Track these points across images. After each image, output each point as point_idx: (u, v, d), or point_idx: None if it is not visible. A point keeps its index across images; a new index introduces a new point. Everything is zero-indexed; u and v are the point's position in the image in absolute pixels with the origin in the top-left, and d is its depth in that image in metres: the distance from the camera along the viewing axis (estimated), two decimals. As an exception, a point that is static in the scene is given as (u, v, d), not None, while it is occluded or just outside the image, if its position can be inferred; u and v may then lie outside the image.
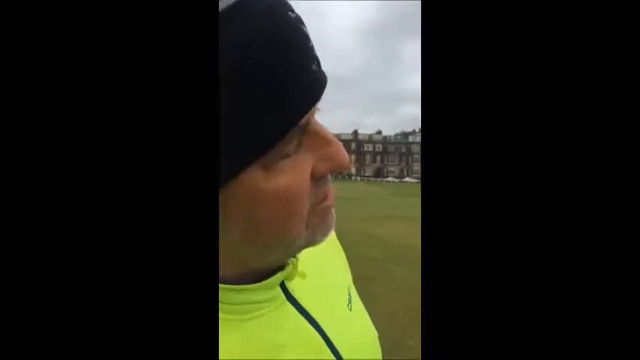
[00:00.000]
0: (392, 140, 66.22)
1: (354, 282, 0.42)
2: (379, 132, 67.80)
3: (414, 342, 2.29)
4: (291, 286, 0.31)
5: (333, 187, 0.31)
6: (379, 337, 0.39)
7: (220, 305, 0.26)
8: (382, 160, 64.63)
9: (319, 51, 0.27)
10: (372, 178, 55.38)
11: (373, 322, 0.39)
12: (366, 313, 0.40)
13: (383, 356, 0.39)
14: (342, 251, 0.44)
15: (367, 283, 3.48)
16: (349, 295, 0.37)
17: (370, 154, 64.67)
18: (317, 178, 0.27)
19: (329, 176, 0.30)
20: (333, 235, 0.40)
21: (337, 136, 0.29)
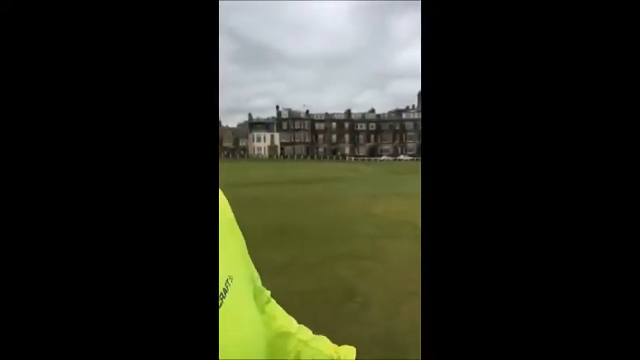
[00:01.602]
0: (385, 118, 65.83)
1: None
2: (372, 110, 67.24)
3: (407, 308, 2.40)
4: None
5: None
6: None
7: None
8: (376, 139, 64.47)
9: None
10: (366, 158, 55.40)
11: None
12: (252, 307, 0.35)
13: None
14: (239, 238, 0.39)
15: (362, 258, 3.59)
16: (225, 289, 0.30)
17: (364, 133, 64.39)
18: None
19: None
20: (229, 220, 0.37)
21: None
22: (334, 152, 61.12)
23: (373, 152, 61.98)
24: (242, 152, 57.40)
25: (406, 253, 3.77)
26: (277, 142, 58.98)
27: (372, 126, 64.80)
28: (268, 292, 0.47)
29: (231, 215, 0.38)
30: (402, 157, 55.40)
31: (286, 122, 59.97)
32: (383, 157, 55.22)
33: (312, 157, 55.91)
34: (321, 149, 62.04)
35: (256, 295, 0.41)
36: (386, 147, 63.88)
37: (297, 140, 60.29)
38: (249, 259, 0.41)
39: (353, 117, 64.44)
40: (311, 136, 62.01)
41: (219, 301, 0.29)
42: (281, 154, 57.89)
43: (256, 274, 0.44)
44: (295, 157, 55.72)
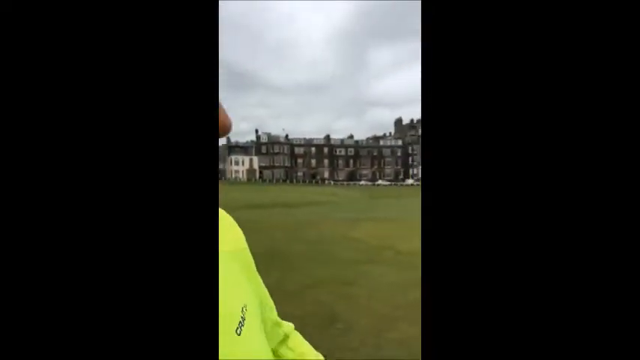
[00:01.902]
0: (364, 144, 67.35)
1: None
2: (351, 136, 68.76)
3: (394, 335, 2.38)
4: None
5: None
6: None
7: None
8: (355, 164, 65.52)
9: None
10: (345, 182, 55.93)
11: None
12: (264, 335, 0.36)
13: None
14: (250, 266, 0.39)
15: (348, 284, 3.56)
16: (242, 317, 0.31)
17: (343, 158, 65.37)
18: None
19: None
20: (242, 248, 0.38)
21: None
22: (313, 176, 61.38)
23: (352, 177, 62.77)
24: (219, 175, 56.60)
25: (387, 278, 3.77)
26: (256, 166, 58.68)
27: (351, 151, 66.02)
28: (288, 326, 0.46)
29: (245, 245, 0.39)
30: (380, 181, 56.37)
31: (265, 146, 60.04)
32: (362, 182, 55.97)
33: (291, 181, 55.75)
34: (300, 173, 62.17)
35: (268, 328, 0.41)
36: (364, 172, 64.93)
37: (277, 164, 60.23)
38: (262, 286, 0.42)
39: (332, 142, 65.56)
40: (290, 160, 62.20)
41: (239, 330, 0.29)
42: (260, 177, 57.49)
43: (272, 304, 0.43)
44: (274, 180, 55.42)
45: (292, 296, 3.12)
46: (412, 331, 2.50)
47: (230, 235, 0.37)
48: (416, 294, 3.26)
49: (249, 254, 0.40)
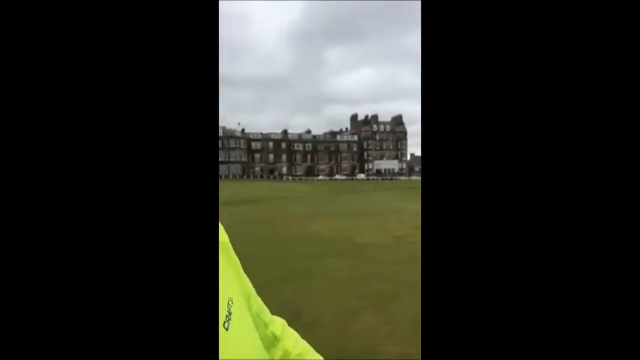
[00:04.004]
0: (321, 139, 67.87)
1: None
2: (309, 131, 68.91)
3: (356, 325, 2.45)
4: None
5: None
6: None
7: None
8: (312, 159, 65.87)
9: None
10: (303, 177, 56.03)
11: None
12: (254, 328, 0.36)
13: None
14: (233, 260, 0.39)
15: (308, 277, 3.58)
16: (229, 312, 0.30)
17: (301, 153, 65.37)
18: None
19: None
20: (224, 243, 0.37)
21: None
22: (271, 172, 60.69)
23: (310, 172, 63.04)
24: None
25: (347, 270, 3.86)
26: (211, 161, 56.42)
27: (309, 146, 66.21)
28: (278, 321, 0.45)
29: (226, 238, 0.38)
30: (337, 176, 57.29)
31: (221, 141, 58.06)
32: (320, 177, 56.45)
33: (249, 177, 54.67)
34: (257, 168, 61.08)
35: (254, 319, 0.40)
36: (322, 167, 65.52)
37: (233, 159, 58.59)
38: (246, 279, 0.41)
39: (290, 137, 65.22)
40: (247, 155, 60.85)
41: (226, 324, 0.28)
42: (215, 173, 55.40)
43: (257, 298, 0.42)
44: (230, 176, 53.93)
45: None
46: (373, 320, 2.59)
47: None
48: (374, 284, 3.37)
49: (232, 249, 0.39)
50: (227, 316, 0.29)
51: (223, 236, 0.38)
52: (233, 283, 0.36)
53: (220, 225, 0.37)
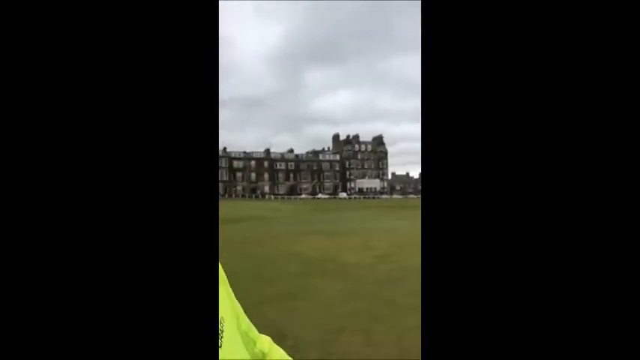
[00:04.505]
0: (304, 158, 68.13)
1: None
2: (291, 150, 69.14)
3: (340, 346, 2.48)
4: None
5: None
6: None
7: None
8: (295, 178, 65.78)
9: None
10: (286, 196, 55.71)
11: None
12: (242, 346, 0.37)
13: None
14: (223, 279, 0.39)
15: (291, 297, 3.58)
16: (221, 330, 0.31)
17: (283, 172, 65.22)
18: None
19: None
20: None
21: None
22: (253, 191, 60.06)
23: (293, 191, 62.79)
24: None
25: (331, 290, 3.88)
26: (192, 180, 55.27)
27: (291, 165, 66.21)
28: (265, 339, 0.46)
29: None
30: (320, 195, 57.31)
31: (202, 159, 56.96)
32: (303, 196, 56.26)
33: (230, 196, 53.86)
34: (239, 187, 60.35)
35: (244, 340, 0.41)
36: (305, 186, 65.47)
37: (214, 178, 57.61)
38: (234, 299, 0.42)
39: (272, 156, 65.14)
40: (229, 174, 60.18)
41: (219, 342, 0.29)
42: (196, 192, 54.13)
43: (244, 317, 0.44)
44: (212, 195, 52.71)
45: (238, 316, 3.04)
46: (357, 340, 2.62)
47: None
48: (357, 304, 3.41)
49: (221, 267, 0.41)
50: (220, 334, 0.30)
51: None
52: (224, 302, 0.36)
53: None
